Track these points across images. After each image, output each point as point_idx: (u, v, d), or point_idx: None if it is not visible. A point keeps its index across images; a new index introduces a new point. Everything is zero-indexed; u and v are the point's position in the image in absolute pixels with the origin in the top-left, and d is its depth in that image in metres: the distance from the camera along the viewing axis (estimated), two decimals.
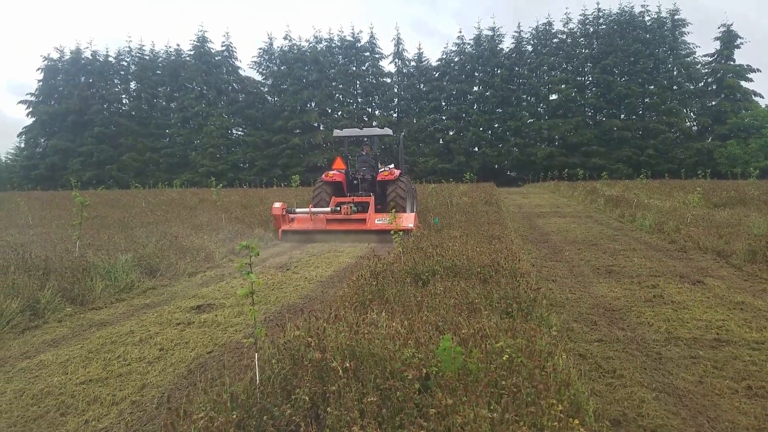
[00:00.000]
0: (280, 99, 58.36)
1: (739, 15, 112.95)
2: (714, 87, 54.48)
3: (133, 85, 60.29)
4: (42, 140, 58.87)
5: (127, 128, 57.46)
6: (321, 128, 57.78)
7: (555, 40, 57.33)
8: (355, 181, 13.92)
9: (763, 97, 53.31)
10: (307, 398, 3.05)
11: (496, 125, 56.73)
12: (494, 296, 5.01)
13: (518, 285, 5.38)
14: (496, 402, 2.80)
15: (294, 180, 19.20)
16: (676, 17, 55.07)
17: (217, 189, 16.55)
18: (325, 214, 12.70)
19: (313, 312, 5.48)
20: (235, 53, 59.58)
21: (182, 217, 14.34)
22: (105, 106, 58.58)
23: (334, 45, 59.22)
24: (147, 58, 60.11)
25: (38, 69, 59.08)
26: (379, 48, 59.12)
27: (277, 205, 12.84)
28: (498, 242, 9.42)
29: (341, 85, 58.26)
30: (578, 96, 55.81)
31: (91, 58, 59.21)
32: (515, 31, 58.12)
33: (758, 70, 53.27)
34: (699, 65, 55.34)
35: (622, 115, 56.05)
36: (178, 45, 61.17)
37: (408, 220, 12.36)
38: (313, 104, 57.76)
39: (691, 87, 55.07)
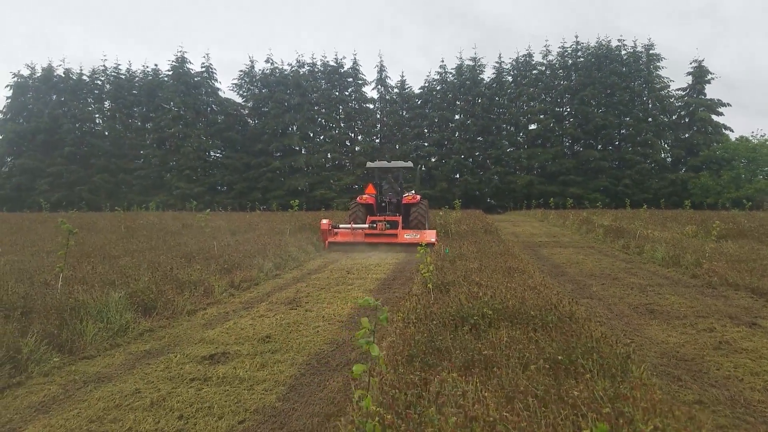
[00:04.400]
0: (260, 122, 57.48)
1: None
2: (687, 120, 55.75)
3: (107, 104, 58.63)
4: (9, 159, 56.30)
5: (100, 148, 55.85)
6: (303, 152, 57.00)
7: (534, 72, 58.11)
8: (383, 204, 17.20)
9: (732, 131, 54.80)
10: None
11: (477, 153, 56.88)
12: (578, 350, 4.25)
13: (600, 336, 4.64)
14: None
15: (294, 204, 18.70)
16: (651, 52, 56.48)
17: (205, 213, 15.58)
18: (363, 230, 15.36)
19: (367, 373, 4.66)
20: (215, 74, 58.59)
21: (169, 244, 13.28)
22: (77, 125, 56.67)
23: (316, 70, 58.86)
24: (123, 77, 58.70)
25: (7, 86, 57.07)
26: (362, 74, 59.01)
27: (324, 221, 15.57)
28: (520, 275, 8.75)
29: (323, 110, 57.69)
30: (557, 126, 56.38)
31: (63, 76, 57.44)
32: (496, 62, 58.71)
33: (728, 105, 54.81)
34: (673, 98, 56.73)
35: (599, 146, 56.77)
36: (155, 65, 59.86)
37: (431, 235, 15.15)
38: (294, 128, 56.99)
39: (665, 119, 56.19)
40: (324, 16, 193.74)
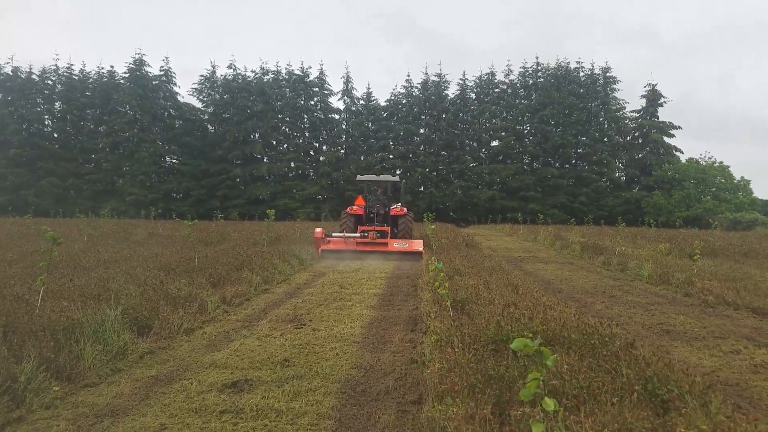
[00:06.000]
0: (221, 128, 56.12)
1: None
2: (640, 141, 58.05)
3: (57, 105, 55.85)
4: None
5: (48, 151, 53.05)
6: (265, 160, 55.83)
7: (497, 90, 59.20)
8: (371, 215, 17.67)
9: (683, 153, 57.21)
10: None
11: (441, 167, 57.13)
12: (654, 380, 3.96)
13: (664, 364, 4.38)
14: None
15: (270, 213, 18.92)
16: (608, 74, 58.55)
17: (190, 222, 14.90)
18: (355, 238, 15.97)
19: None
20: (174, 78, 56.83)
21: (142, 254, 12.43)
22: (24, 126, 53.78)
23: (281, 78, 58.01)
24: (76, 78, 56.14)
25: None
26: (329, 84, 58.54)
27: (318, 230, 16.12)
28: (528, 293, 8.53)
29: (288, 118, 56.77)
30: (517, 144, 57.59)
31: (11, 74, 54.47)
32: (460, 79, 59.47)
33: (679, 127, 57.29)
34: (627, 120, 58.96)
35: (557, 164, 58.28)
36: (111, 66, 57.43)
37: (418, 244, 15.98)
38: (257, 135, 55.88)
39: (620, 140, 58.27)
40: (288, 26, 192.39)
